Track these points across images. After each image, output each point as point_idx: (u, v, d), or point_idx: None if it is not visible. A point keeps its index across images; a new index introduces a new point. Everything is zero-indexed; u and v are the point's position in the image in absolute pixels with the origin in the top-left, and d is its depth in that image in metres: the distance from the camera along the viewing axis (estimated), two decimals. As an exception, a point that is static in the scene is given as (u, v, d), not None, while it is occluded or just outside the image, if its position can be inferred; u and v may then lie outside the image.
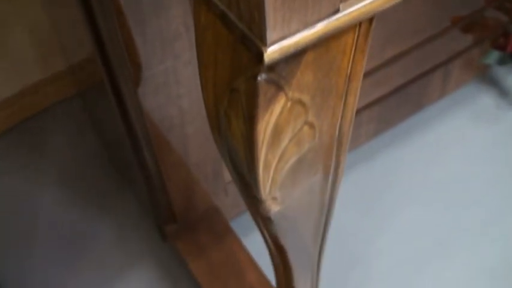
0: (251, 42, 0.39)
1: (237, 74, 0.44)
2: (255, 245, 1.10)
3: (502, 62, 1.33)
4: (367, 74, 1.18)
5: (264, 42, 0.38)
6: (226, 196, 1.15)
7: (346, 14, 0.40)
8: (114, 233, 1.26)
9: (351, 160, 1.34)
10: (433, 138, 1.39)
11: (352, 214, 1.27)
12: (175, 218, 1.14)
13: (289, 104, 0.44)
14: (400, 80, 1.26)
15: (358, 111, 1.24)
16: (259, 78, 0.41)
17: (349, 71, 0.45)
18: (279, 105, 0.43)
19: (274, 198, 0.51)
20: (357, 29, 0.43)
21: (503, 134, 1.39)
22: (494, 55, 1.32)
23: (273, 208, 0.53)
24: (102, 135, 1.35)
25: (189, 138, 0.99)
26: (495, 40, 1.33)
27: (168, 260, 1.22)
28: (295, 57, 0.41)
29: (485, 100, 1.45)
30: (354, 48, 0.44)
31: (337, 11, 0.40)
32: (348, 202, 1.28)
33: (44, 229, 1.27)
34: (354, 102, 0.48)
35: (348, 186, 1.30)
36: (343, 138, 0.50)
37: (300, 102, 0.44)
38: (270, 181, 0.49)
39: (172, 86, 0.89)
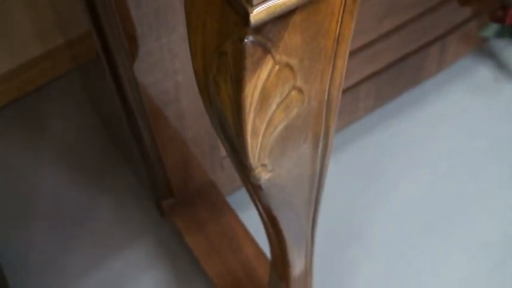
0: (238, 3, 0.39)
1: (225, 38, 0.43)
2: (252, 222, 1.10)
3: (500, 34, 1.32)
4: (364, 48, 1.17)
5: (250, 2, 0.38)
6: (223, 171, 1.15)
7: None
8: (114, 212, 1.26)
9: (348, 135, 1.34)
10: (431, 113, 1.38)
11: (348, 190, 1.27)
12: (172, 192, 1.14)
13: (276, 67, 0.43)
14: (397, 54, 1.26)
15: (355, 86, 1.24)
16: (245, 40, 0.40)
17: (337, 33, 0.45)
18: (266, 69, 0.43)
19: (263, 166, 0.51)
20: (345, -11, 0.43)
21: (501, 107, 1.39)
22: (492, 28, 1.31)
23: (263, 176, 0.53)
24: (101, 113, 1.35)
25: (185, 112, 0.99)
26: (493, 13, 1.32)
27: (166, 236, 1.22)
28: (282, 18, 0.41)
29: (483, 73, 1.45)
30: (342, 9, 0.43)
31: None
32: (345, 177, 1.28)
33: (43, 209, 1.28)
34: (343, 66, 0.48)
35: (345, 161, 1.30)
36: (332, 104, 0.50)
37: (288, 65, 0.44)
38: (258, 147, 0.48)
39: (168, 61, 0.88)
